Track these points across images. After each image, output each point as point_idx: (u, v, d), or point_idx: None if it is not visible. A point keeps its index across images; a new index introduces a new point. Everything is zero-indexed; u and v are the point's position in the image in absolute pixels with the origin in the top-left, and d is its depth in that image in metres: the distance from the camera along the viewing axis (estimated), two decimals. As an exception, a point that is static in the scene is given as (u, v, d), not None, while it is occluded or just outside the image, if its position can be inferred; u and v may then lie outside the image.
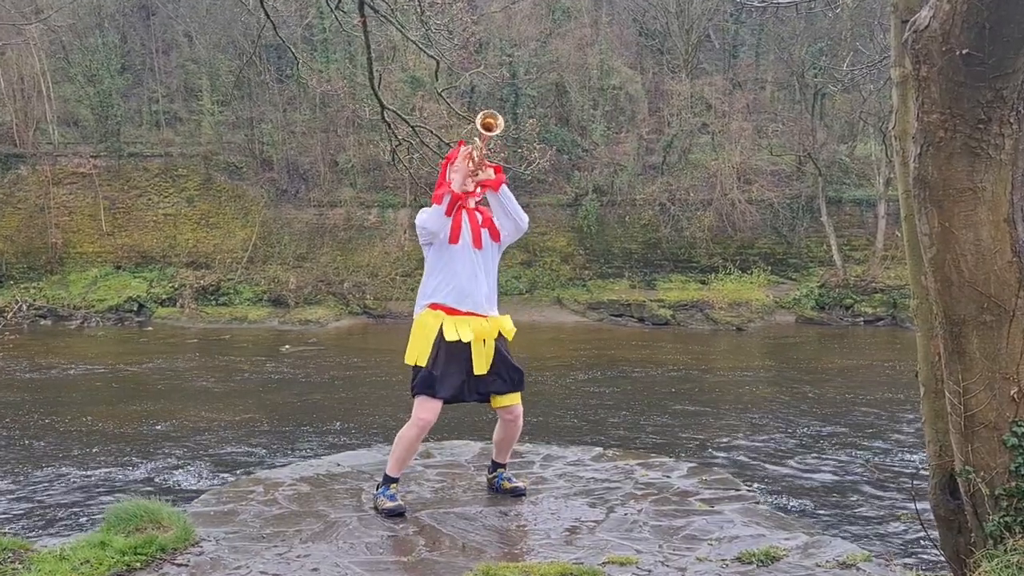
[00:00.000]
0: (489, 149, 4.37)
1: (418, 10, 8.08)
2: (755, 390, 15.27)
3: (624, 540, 3.86)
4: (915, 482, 7.99)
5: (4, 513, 8.57)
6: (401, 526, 4.09)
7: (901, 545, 7.39)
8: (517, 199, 4.57)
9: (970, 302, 3.00)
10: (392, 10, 7.05)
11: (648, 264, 27.51)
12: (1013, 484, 3.03)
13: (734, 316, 24.27)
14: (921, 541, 7.00)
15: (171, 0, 31.29)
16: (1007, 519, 3.02)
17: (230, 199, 28.54)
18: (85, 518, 8.28)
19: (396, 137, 7.40)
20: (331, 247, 27.43)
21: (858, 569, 3.51)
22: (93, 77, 28.48)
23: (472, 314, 4.30)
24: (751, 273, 26.01)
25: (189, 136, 29.45)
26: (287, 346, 20.85)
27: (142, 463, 10.41)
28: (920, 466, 9.40)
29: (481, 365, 4.27)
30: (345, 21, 8.47)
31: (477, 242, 4.37)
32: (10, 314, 25.70)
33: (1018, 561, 2.90)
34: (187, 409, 13.58)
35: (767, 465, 10.22)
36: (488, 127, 4.25)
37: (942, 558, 3.55)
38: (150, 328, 24.65)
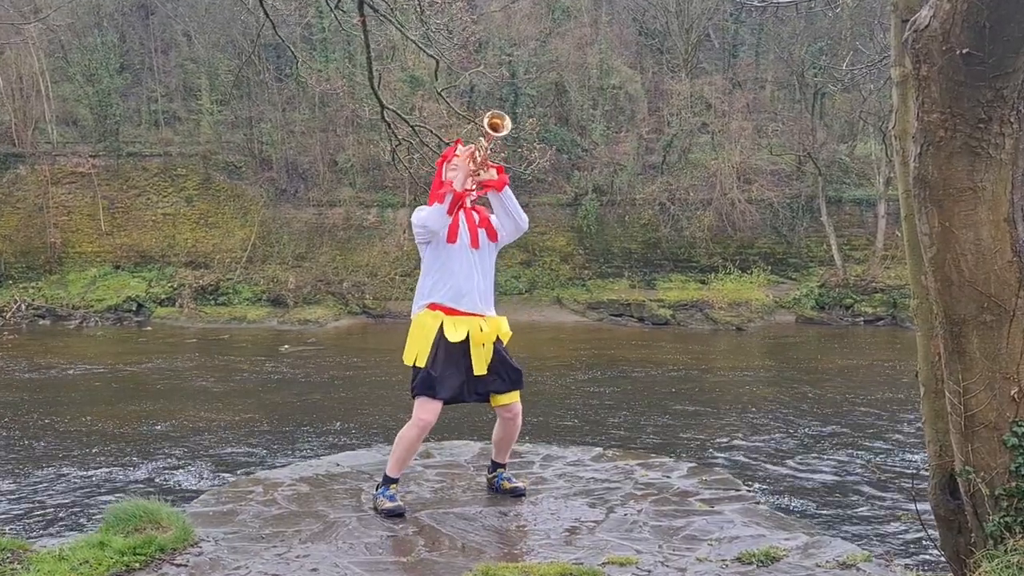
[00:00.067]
0: (491, 149, 4.35)
1: (418, 9, 8.07)
2: (755, 390, 15.27)
3: (624, 540, 3.86)
4: (915, 482, 7.98)
5: (4, 513, 8.56)
6: (400, 526, 4.09)
7: (901, 545, 7.39)
8: (517, 199, 4.56)
9: (970, 302, 2.99)
10: (392, 9, 7.04)
11: (648, 264, 27.50)
12: (1013, 484, 3.02)
13: (734, 316, 24.27)
14: (921, 541, 7.00)
15: (170, -1, 31.30)
16: (1007, 519, 3.02)
17: (229, 199, 28.53)
18: (84, 518, 8.27)
19: (396, 137, 7.39)
20: (330, 247, 27.42)
21: (858, 569, 3.50)
22: (92, 76, 28.47)
23: (470, 314, 4.30)
24: (751, 273, 26.01)
25: (188, 135, 29.44)
26: (286, 346, 20.85)
27: (141, 463, 10.41)
28: (920, 466, 9.40)
29: (480, 366, 4.27)
30: (344, 20, 8.46)
31: (475, 242, 4.36)
32: (9, 314, 25.69)
33: (1018, 561, 2.90)
34: (186, 409, 13.58)
35: (767, 465, 10.21)
36: (495, 127, 4.24)
37: (942, 558, 3.55)
38: (149, 328, 24.64)
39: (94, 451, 11.00)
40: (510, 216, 4.44)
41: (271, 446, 11.31)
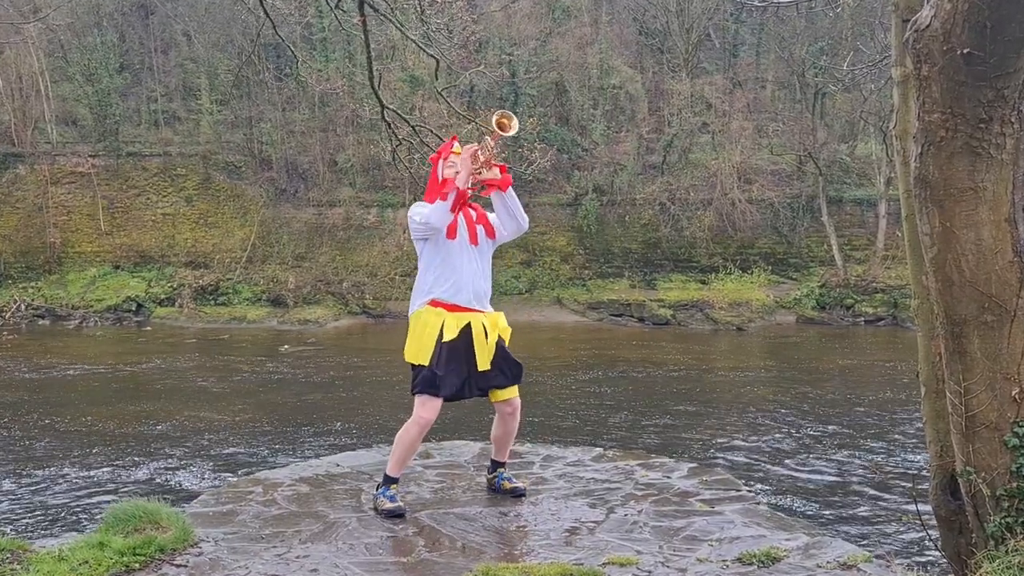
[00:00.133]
0: (496, 149, 4.34)
1: (418, 9, 8.07)
2: (755, 390, 15.27)
3: (624, 541, 3.85)
4: (916, 483, 7.98)
5: (4, 513, 8.56)
6: (400, 527, 4.08)
7: (902, 546, 7.39)
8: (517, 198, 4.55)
9: (971, 302, 2.99)
10: (392, 9, 7.04)
11: (648, 264, 27.50)
12: (1014, 485, 3.02)
13: (734, 316, 24.26)
14: (922, 542, 7.00)
15: (170, -1, 31.30)
16: (1008, 520, 3.02)
17: (229, 198, 28.53)
18: (84, 518, 8.27)
19: (396, 137, 7.39)
20: (330, 247, 27.42)
21: (859, 570, 3.50)
22: (91, 76, 28.46)
23: (471, 310, 4.29)
24: (751, 273, 26.01)
25: (188, 135, 29.44)
26: (286, 346, 20.84)
27: (142, 463, 10.40)
28: (921, 467, 9.40)
29: (484, 361, 4.26)
30: (344, 20, 8.46)
31: (473, 238, 4.36)
32: (8, 314, 25.68)
33: (1019, 562, 2.89)
34: (186, 409, 13.57)
35: (768, 465, 10.21)
36: (502, 127, 4.23)
37: (943, 559, 3.55)
38: (149, 328, 24.64)
39: (94, 451, 11.00)
40: (512, 216, 4.43)
41: (271, 446, 11.31)
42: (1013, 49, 2.72)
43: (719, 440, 11.41)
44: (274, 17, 7.65)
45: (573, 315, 25.73)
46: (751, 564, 3.55)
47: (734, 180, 26.98)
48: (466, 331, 4.25)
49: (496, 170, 4.37)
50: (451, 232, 4.28)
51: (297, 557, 3.70)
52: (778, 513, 4.47)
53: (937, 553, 3.85)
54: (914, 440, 11.01)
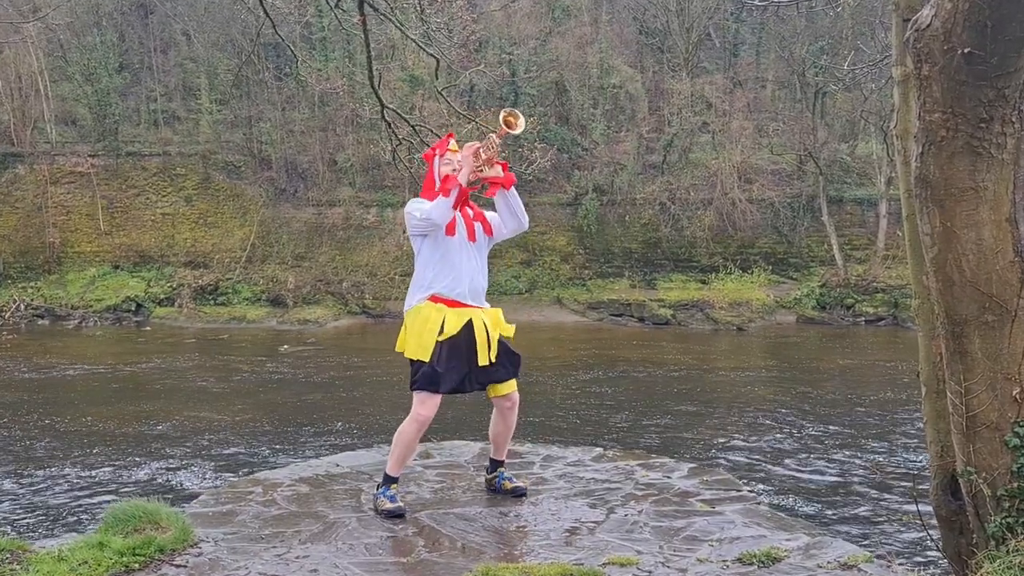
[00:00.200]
0: (500, 147, 4.33)
1: (417, 8, 8.06)
2: (756, 390, 15.26)
3: (624, 541, 3.85)
4: (916, 483, 7.98)
5: (4, 513, 8.55)
6: (400, 527, 4.08)
7: (903, 546, 7.38)
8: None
9: (972, 302, 2.98)
10: (392, 8, 7.03)
11: (648, 263, 27.49)
12: (1015, 485, 3.02)
13: (735, 316, 24.25)
14: (923, 542, 7.00)
15: (170, -1, 31.29)
16: (1009, 520, 3.01)
17: (228, 198, 28.52)
18: (84, 518, 8.26)
19: (396, 136, 7.39)
20: (330, 246, 27.41)
21: (859, 570, 3.49)
22: (91, 76, 28.45)
23: (470, 306, 4.29)
24: (752, 273, 26.00)
25: (187, 135, 29.43)
26: (286, 346, 20.84)
27: (142, 463, 10.40)
28: (922, 467, 9.39)
29: (485, 356, 4.26)
30: (344, 19, 8.45)
31: (471, 235, 4.36)
32: (8, 314, 25.68)
33: (1020, 562, 2.89)
34: (186, 409, 13.57)
35: (768, 465, 10.20)
36: (509, 125, 4.22)
37: (944, 559, 3.54)
38: (148, 328, 24.64)
39: (94, 451, 10.99)
40: (514, 214, 4.43)
41: (271, 446, 11.30)
42: (1014, 48, 2.71)
43: (719, 440, 11.40)
44: (274, 16, 7.65)
45: (573, 315, 25.73)
46: (751, 564, 3.55)
47: (734, 180, 26.97)
48: (467, 327, 4.25)
49: (498, 168, 4.36)
50: (450, 229, 4.28)
51: (297, 557, 3.70)
52: (778, 513, 4.46)
53: (938, 553, 3.84)
54: (915, 440, 11.01)
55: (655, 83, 30.24)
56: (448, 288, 4.27)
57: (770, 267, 26.52)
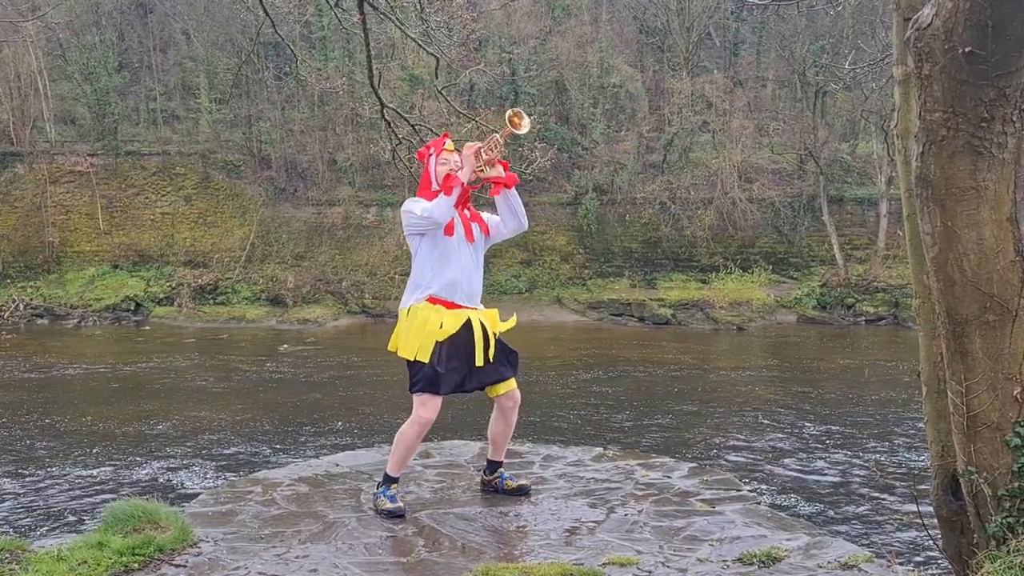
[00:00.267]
0: (503, 146, 4.32)
1: (418, 7, 8.05)
2: (756, 390, 15.26)
3: (624, 541, 3.84)
4: (917, 483, 7.98)
5: (4, 513, 8.55)
6: (400, 527, 4.07)
7: (903, 546, 7.38)
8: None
9: (973, 302, 2.98)
10: (391, 7, 7.03)
11: (648, 263, 27.49)
12: (1016, 485, 3.01)
13: (735, 315, 24.25)
14: (923, 542, 6.99)
15: (170, -2, 31.28)
16: (1010, 520, 3.01)
17: (228, 198, 28.51)
18: (85, 518, 8.26)
19: (396, 136, 7.37)
20: (329, 246, 27.40)
21: (860, 570, 3.49)
22: (90, 75, 28.45)
23: (467, 307, 4.29)
24: (752, 272, 26.00)
25: (187, 134, 29.42)
26: (285, 345, 20.83)
27: (142, 463, 10.39)
28: (922, 467, 9.39)
29: (485, 356, 4.25)
30: (344, 18, 8.45)
31: (469, 235, 4.35)
32: (7, 313, 25.67)
33: (1021, 562, 2.88)
34: (186, 409, 13.57)
35: (768, 465, 10.20)
36: (514, 124, 4.21)
37: (944, 559, 3.54)
38: (147, 327, 24.63)
39: (94, 451, 10.99)
40: (515, 214, 4.43)
41: (271, 446, 11.30)
42: (1015, 48, 2.71)
43: (719, 440, 11.40)
44: (273, 15, 7.64)
45: (573, 315, 25.72)
46: (752, 564, 3.54)
47: (735, 179, 26.97)
48: (466, 327, 4.24)
49: (500, 168, 4.35)
50: (449, 229, 4.27)
51: (296, 557, 3.70)
52: (779, 513, 4.46)
53: (938, 553, 3.84)
54: (915, 440, 11.01)
55: (655, 82, 30.23)
56: (445, 289, 4.26)
57: (770, 267, 26.52)
